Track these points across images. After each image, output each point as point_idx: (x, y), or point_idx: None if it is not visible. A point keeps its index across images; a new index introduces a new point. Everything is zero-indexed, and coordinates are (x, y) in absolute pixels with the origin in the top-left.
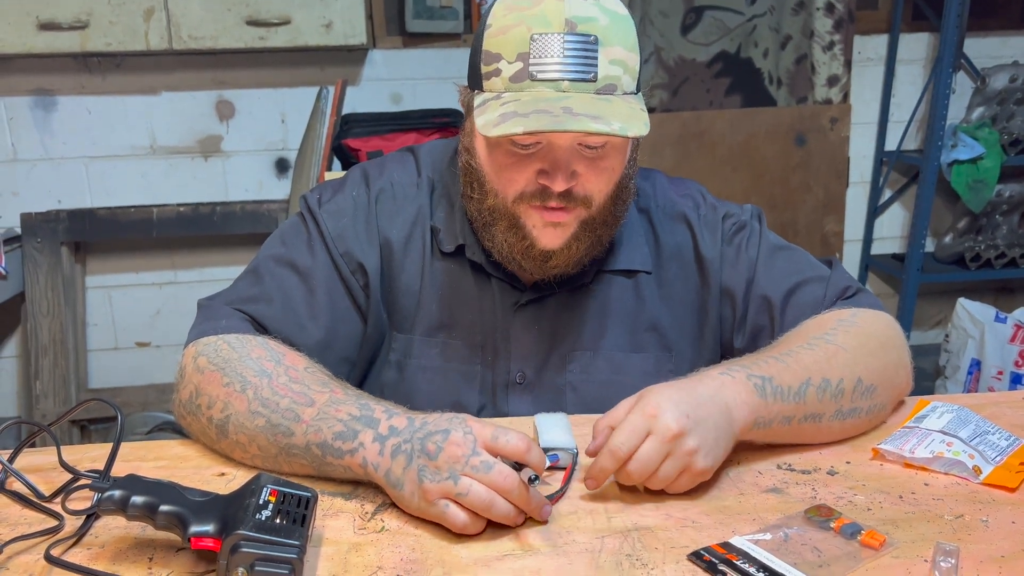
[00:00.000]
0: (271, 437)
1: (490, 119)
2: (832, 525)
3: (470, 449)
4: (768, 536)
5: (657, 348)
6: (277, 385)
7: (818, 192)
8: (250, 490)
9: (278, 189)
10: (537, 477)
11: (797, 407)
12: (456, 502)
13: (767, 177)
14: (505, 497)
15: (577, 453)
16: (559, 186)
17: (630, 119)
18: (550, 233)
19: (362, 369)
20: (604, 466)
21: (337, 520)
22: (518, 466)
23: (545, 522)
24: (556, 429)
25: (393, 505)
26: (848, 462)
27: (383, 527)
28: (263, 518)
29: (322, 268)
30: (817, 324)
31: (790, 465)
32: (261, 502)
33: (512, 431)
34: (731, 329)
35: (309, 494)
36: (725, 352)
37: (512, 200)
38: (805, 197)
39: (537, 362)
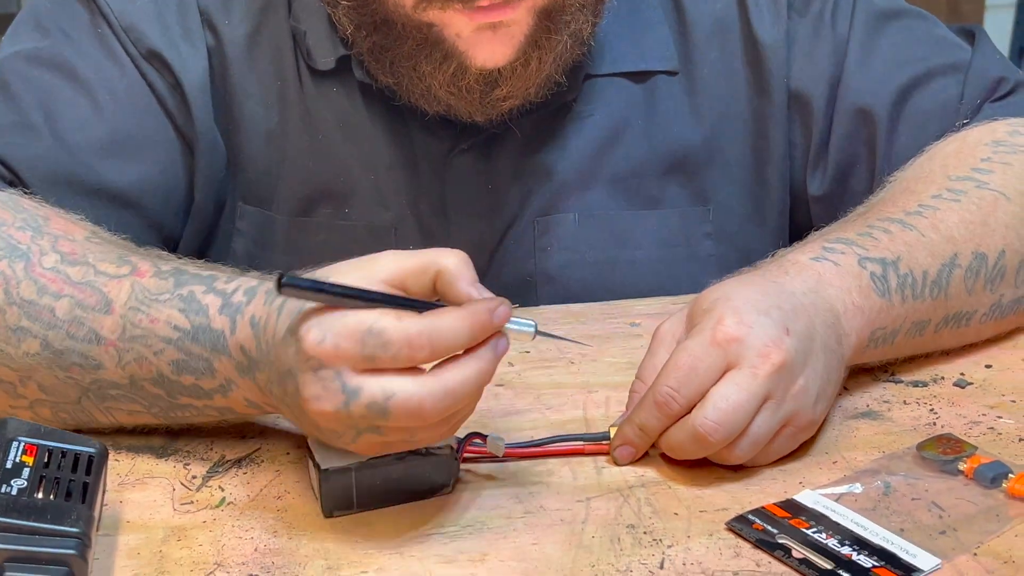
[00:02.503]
0: (62, 372)
1: None
2: (962, 467)
3: (337, 389)
4: (858, 488)
5: (685, 198)
6: (42, 273)
7: None
8: None
9: None
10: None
11: (935, 305)
12: (379, 426)
13: None
14: (442, 346)
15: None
16: None
17: None
18: (489, 41)
19: (193, 245)
20: (645, 424)
21: (145, 491)
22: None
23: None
24: None
25: (239, 462)
26: (989, 365)
27: (223, 499)
28: (15, 492)
29: (111, 79)
30: (955, 151)
31: (894, 374)
32: (10, 466)
33: (388, 330)
34: (803, 164)
35: (92, 449)
36: (797, 205)
37: (414, 4)
38: None
39: (490, 239)
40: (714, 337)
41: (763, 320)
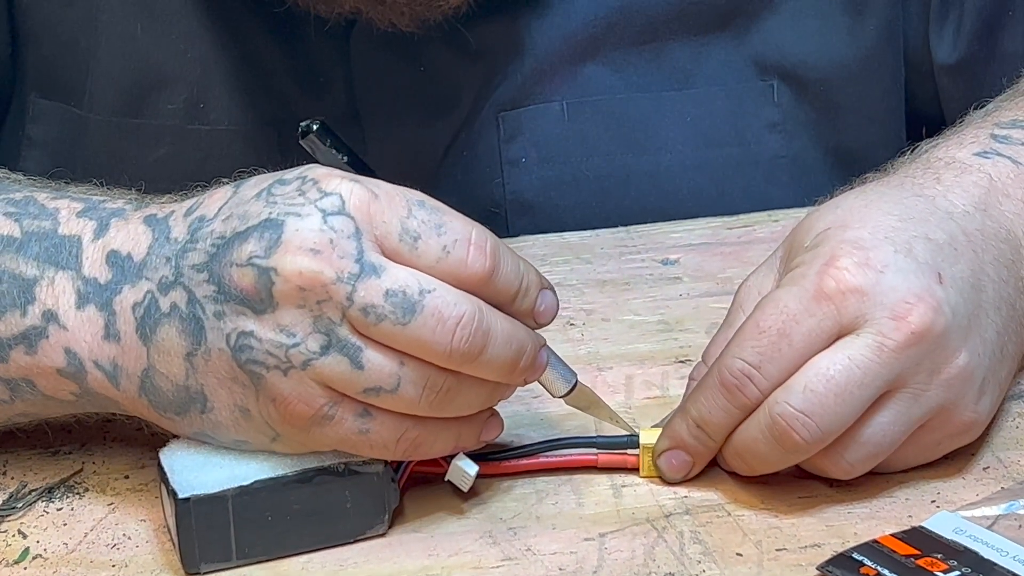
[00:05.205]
0: None
1: None
2: None
3: (351, 253)
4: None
5: (735, 68)
6: None
7: None
8: None
9: None
10: None
11: None
12: (370, 405)
13: None
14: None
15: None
16: None
17: None
18: None
19: None
20: (706, 418)
21: None
22: None
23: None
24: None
25: (50, 492)
26: None
27: (26, 551)
28: None
29: None
30: None
31: None
32: None
33: (447, 212)
34: (923, 14)
35: None
36: (916, 81)
37: None
38: None
39: (429, 151)
40: (820, 286)
41: (901, 261)
